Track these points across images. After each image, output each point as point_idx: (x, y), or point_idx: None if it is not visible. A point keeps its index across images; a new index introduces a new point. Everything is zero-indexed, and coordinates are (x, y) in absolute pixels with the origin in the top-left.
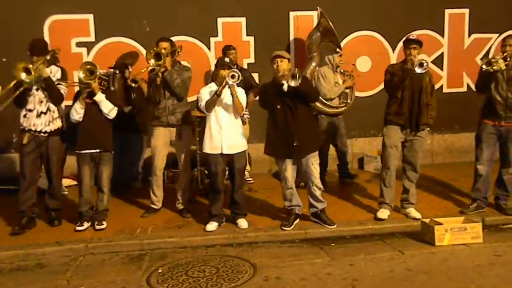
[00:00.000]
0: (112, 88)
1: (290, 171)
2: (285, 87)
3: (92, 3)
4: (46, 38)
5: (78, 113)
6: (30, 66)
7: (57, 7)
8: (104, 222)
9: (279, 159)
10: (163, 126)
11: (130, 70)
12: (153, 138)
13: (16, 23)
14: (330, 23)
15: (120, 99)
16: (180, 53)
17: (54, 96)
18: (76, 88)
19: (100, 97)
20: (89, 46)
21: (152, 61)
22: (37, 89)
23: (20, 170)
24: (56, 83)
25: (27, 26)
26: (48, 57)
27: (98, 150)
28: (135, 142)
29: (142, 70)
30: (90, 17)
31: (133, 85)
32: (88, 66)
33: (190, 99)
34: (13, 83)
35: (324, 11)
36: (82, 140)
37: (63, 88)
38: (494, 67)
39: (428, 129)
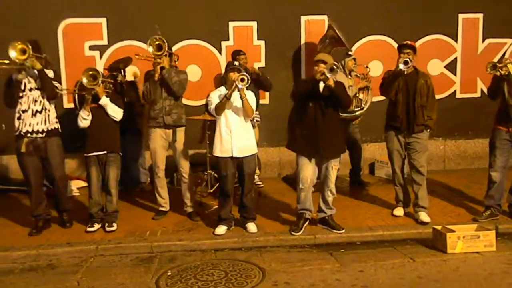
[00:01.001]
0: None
1: (309, 172)
2: (321, 87)
3: (105, 7)
4: (60, 41)
5: (85, 119)
6: (27, 48)
7: (71, 11)
8: (115, 224)
9: (301, 156)
10: (159, 127)
11: (123, 74)
12: (151, 140)
13: (31, 26)
14: (338, 33)
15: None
16: (177, 62)
17: (49, 89)
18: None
19: (105, 101)
20: (101, 49)
21: (151, 49)
22: (30, 89)
23: (24, 178)
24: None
25: (41, 29)
26: (42, 56)
27: (104, 152)
28: (136, 144)
29: (137, 56)
30: (103, 21)
31: (134, 79)
32: (91, 72)
33: (200, 102)
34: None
35: (335, 15)
36: (89, 143)
37: (57, 84)
38: (502, 71)
39: (429, 130)
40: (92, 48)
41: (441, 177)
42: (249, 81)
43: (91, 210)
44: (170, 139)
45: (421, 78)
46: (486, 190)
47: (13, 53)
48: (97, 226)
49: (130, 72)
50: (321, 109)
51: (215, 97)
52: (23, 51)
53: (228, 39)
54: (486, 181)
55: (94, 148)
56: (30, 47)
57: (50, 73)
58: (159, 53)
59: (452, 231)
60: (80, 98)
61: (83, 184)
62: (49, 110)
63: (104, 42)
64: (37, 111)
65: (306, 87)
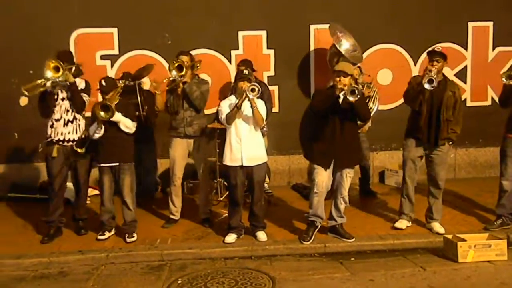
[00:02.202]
0: (139, 99)
1: (324, 177)
2: (340, 100)
3: (116, 17)
4: (72, 50)
5: (98, 133)
6: (62, 64)
7: (83, 21)
8: (135, 235)
9: (316, 164)
10: (180, 137)
11: (143, 81)
12: (171, 148)
13: (43, 36)
14: (341, 51)
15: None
16: (199, 67)
17: (78, 103)
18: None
19: (117, 118)
20: (113, 59)
21: (174, 73)
22: (62, 99)
23: (49, 183)
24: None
25: (54, 39)
26: (73, 67)
27: (117, 164)
28: (149, 153)
29: (164, 80)
30: (114, 31)
31: (156, 92)
32: (103, 104)
33: (210, 111)
34: (40, 81)
35: (345, 24)
36: (102, 154)
37: (86, 97)
38: None
39: (451, 143)
40: (103, 57)
41: (452, 186)
42: (260, 91)
43: (102, 218)
44: (191, 148)
45: (449, 89)
46: (497, 199)
47: (49, 73)
48: (108, 234)
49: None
50: (340, 121)
51: (225, 107)
52: (57, 69)
53: (237, 48)
54: (497, 189)
55: (106, 160)
56: (62, 64)
57: (81, 84)
58: (182, 73)
59: (463, 240)
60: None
61: (94, 192)
62: (79, 120)
63: (115, 51)
64: (68, 120)
65: (325, 101)
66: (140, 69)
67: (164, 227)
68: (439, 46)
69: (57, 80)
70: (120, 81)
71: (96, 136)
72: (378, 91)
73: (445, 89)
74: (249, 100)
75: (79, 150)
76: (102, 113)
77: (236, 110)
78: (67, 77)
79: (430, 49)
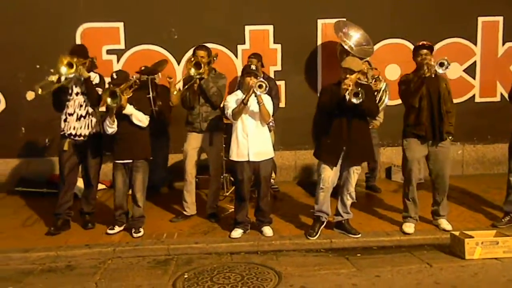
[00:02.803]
0: (151, 94)
1: (331, 173)
2: (347, 98)
3: (122, 12)
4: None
5: (111, 127)
6: (75, 60)
7: (89, 15)
8: (141, 229)
9: (323, 162)
10: (196, 132)
11: (160, 76)
12: (186, 142)
13: (50, 31)
14: (345, 47)
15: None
16: (216, 59)
17: (93, 98)
18: None
19: (129, 110)
20: (119, 53)
21: (192, 70)
22: (76, 94)
23: (60, 175)
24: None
25: (60, 34)
26: (87, 62)
27: (131, 160)
28: (161, 148)
29: (182, 78)
30: (120, 25)
31: (169, 80)
32: (110, 91)
33: None
34: (54, 77)
35: (352, 19)
36: (117, 151)
37: (100, 91)
38: None
39: (451, 137)
40: (109, 52)
41: (460, 182)
42: (267, 88)
43: (115, 213)
44: (206, 143)
45: (442, 82)
46: (505, 196)
47: (64, 69)
48: (117, 229)
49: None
50: (347, 118)
51: (231, 101)
52: (70, 65)
53: (244, 43)
54: (505, 186)
55: (121, 156)
56: (75, 59)
57: (96, 78)
58: (201, 70)
59: (471, 237)
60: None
61: (102, 186)
62: (92, 115)
63: (121, 46)
64: (81, 115)
65: (332, 99)
66: (155, 64)
67: (172, 221)
68: (423, 42)
69: (70, 76)
70: (133, 76)
71: (109, 130)
72: (388, 85)
73: (439, 82)
74: (256, 96)
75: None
76: (109, 100)
77: (242, 105)
78: (81, 72)
79: (418, 44)
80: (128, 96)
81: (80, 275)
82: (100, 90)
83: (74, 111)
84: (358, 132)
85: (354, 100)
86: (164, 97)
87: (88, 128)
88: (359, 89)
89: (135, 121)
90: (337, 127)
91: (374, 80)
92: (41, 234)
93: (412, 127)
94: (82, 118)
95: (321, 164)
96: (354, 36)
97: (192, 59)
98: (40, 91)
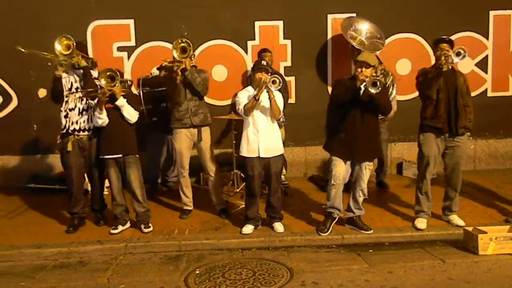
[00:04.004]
0: (139, 92)
1: (342, 169)
2: (361, 92)
3: (133, 9)
4: (89, 42)
5: (100, 118)
6: (72, 45)
7: (100, 13)
8: (150, 225)
9: (334, 156)
10: (185, 128)
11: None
12: (176, 141)
13: (61, 28)
14: (356, 45)
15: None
16: (193, 60)
17: (90, 85)
18: None
19: (121, 102)
20: (129, 50)
21: (175, 53)
22: (76, 89)
23: (67, 176)
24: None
25: (71, 31)
26: (88, 57)
27: (120, 155)
28: (160, 144)
29: (165, 62)
30: (131, 22)
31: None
32: (109, 73)
33: (225, 102)
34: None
35: (363, 13)
36: (105, 146)
37: (98, 82)
38: None
39: (468, 133)
40: (120, 49)
41: (472, 177)
42: (281, 83)
43: (115, 211)
44: (196, 138)
45: (460, 76)
46: None
47: (58, 47)
48: (121, 228)
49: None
50: (360, 113)
51: (243, 97)
52: (68, 47)
53: (254, 39)
54: None
55: (109, 151)
56: (74, 44)
57: (94, 73)
58: (184, 55)
59: (484, 232)
60: (94, 97)
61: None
62: (93, 109)
63: (132, 43)
64: (83, 109)
65: (346, 92)
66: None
67: (182, 218)
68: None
69: (67, 59)
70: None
71: (99, 121)
72: (395, 77)
73: (457, 76)
74: (268, 91)
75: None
76: (103, 81)
77: (254, 101)
78: (78, 61)
79: (438, 38)
80: (123, 94)
81: (92, 271)
82: (98, 81)
83: (75, 106)
84: (370, 128)
85: (373, 90)
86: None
87: (90, 122)
88: (378, 77)
89: (125, 114)
90: (350, 122)
91: (382, 74)
92: (53, 230)
93: (429, 119)
94: (84, 112)
95: (332, 160)
96: (364, 29)
97: (180, 40)
98: (23, 50)
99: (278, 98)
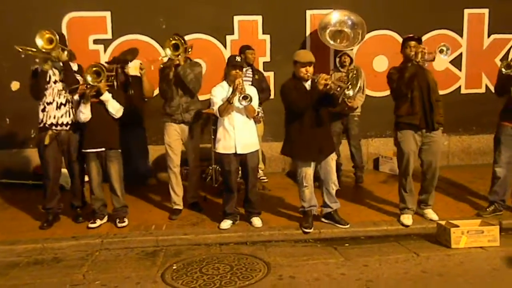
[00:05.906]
0: (115, 83)
1: (310, 170)
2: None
3: (109, 0)
4: (64, 35)
5: (84, 113)
6: (55, 38)
7: (75, 4)
8: (126, 219)
9: (302, 161)
10: (175, 123)
11: (130, 66)
12: (166, 134)
13: (35, 20)
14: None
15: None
16: (190, 51)
17: (71, 81)
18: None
19: (106, 97)
20: (106, 43)
21: (168, 51)
22: (55, 82)
23: (43, 170)
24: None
25: (45, 23)
26: (66, 50)
27: (103, 149)
28: (137, 138)
29: (160, 58)
30: (107, 14)
31: (140, 72)
32: (95, 69)
33: (205, 97)
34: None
35: (341, 9)
36: (87, 139)
37: (79, 77)
38: None
39: (441, 128)
40: (96, 42)
41: (445, 173)
42: (251, 100)
43: (94, 206)
44: (185, 134)
45: (428, 73)
46: (490, 186)
47: (40, 42)
48: (99, 222)
49: (133, 66)
50: (315, 111)
51: (217, 97)
52: (50, 41)
53: (233, 33)
54: (489, 176)
55: (92, 144)
56: (57, 37)
57: (74, 66)
58: (177, 52)
59: (456, 226)
60: (81, 92)
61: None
62: (71, 103)
63: (109, 36)
64: (61, 103)
65: (302, 96)
66: (124, 52)
67: (172, 219)
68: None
69: (50, 53)
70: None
71: (82, 117)
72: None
73: (426, 73)
74: (239, 101)
75: None
76: (89, 77)
77: (228, 104)
78: (59, 55)
79: (407, 36)
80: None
81: (67, 267)
82: (79, 76)
83: (53, 100)
84: (324, 124)
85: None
86: (137, 87)
87: (69, 116)
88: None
89: (110, 109)
90: (307, 123)
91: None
92: (27, 226)
93: (405, 117)
94: (62, 106)
95: (299, 165)
96: (335, 19)
97: (171, 38)
98: (20, 49)
99: (253, 95)
